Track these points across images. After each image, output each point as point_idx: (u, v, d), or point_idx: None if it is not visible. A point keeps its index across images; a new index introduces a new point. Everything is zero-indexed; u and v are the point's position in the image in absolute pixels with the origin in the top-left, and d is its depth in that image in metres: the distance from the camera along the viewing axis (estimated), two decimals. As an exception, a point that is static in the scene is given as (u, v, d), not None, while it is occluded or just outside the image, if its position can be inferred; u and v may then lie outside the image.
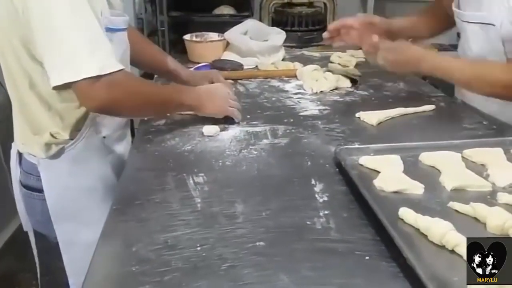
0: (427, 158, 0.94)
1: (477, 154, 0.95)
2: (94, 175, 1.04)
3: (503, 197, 0.80)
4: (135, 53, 1.15)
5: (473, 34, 1.22)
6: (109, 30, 0.98)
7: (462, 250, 0.66)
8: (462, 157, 0.95)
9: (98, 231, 0.76)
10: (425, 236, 0.70)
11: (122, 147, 1.15)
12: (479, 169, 0.91)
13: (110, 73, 0.89)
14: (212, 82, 1.31)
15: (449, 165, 0.91)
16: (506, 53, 1.15)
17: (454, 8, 1.29)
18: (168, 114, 1.18)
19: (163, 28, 2.57)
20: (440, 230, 0.69)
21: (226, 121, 1.15)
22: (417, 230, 0.72)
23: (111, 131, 1.09)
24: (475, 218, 0.75)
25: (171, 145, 1.05)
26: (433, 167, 0.92)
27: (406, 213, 0.75)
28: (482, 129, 1.14)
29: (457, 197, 0.81)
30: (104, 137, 1.07)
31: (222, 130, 1.12)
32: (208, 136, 1.09)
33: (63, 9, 0.87)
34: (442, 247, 0.68)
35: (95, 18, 0.91)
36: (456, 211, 0.77)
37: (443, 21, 1.43)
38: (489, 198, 0.81)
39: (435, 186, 0.86)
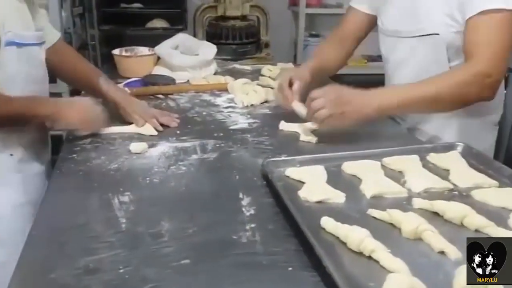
0: (349, 167, 0.98)
1: (395, 162, 1.00)
2: (3, 195, 1.01)
3: (417, 203, 0.84)
4: (66, 71, 1.12)
5: (412, 48, 1.24)
6: (14, 44, 0.96)
7: (378, 256, 0.69)
8: (382, 165, 0.99)
9: (13, 252, 0.73)
10: (345, 244, 0.73)
11: (37, 167, 1.11)
12: (397, 176, 0.95)
13: None
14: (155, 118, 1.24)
15: (369, 173, 0.95)
16: (449, 59, 1.18)
17: (382, 26, 1.33)
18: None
19: (93, 42, 2.52)
20: (357, 237, 0.71)
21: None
22: (338, 238, 0.75)
23: (21, 149, 1.05)
24: (392, 224, 0.79)
25: (97, 164, 1.03)
26: (354, 175, 0.96)
27: (327, 222, 0.77)
28: (402, 137, 1.20)
29: (376, 204, 0.85)
30: (11, 154, 1.03)
31: (150, 146, 1.11)
32: (136, 153, 1.07)
33: None
34: (360, 253, 0.71)
35: None
36: (375, 217, 0.81)
37: (349, 48, 1.45)
38: (405, 204, 0.85)
39: (356, 194, 0.89)
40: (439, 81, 1.11)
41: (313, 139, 1.15)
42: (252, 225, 0.81)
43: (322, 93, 1.10)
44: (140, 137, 1.13)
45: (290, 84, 1.25)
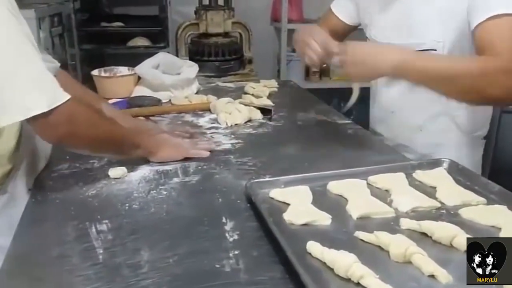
0: (335, 187, 0.96)
1: (381, 180, 0.98)
2: None
3: (405, 223, 0.82)
4: None
5: None
6: None
7: (367, 282, 0.67)
8: (368, 183, 0.98)
9: None
10: (332, 269, 0.71)
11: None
12: (384, 195, 0.93)
13: (61, 104, 0.87)
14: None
15: (355, 193, 0.93)
16: None
17: (373, 39, 1.30)
18: (121, 155, 1.09)
19: (73, 62, 2.48)
20: (345, 263, 0.69)
21: None
22: (324, 263, 0.72)
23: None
24: (380, 246, 0.76)
25: (74, 191, 0.99)
26: (340, 195, 0.94)
27: (313, 247, 0.75)
28: (388, 154, 1.19)
29: (362, 225, 0.83)
30: (29, 189, 1.02)
31: (130, 170, 1.07)
32: (115, 178, 1.04)
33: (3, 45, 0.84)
34: (348, 279, 0.69)
35: (35, 50, 0.88)
36: (362, 240, 0.78)
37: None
38: (392, 225, 0.83)
39: (342, 215, 0.87)
40: (463, 62, 1.06)
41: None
42: (236, 252, 0.78)
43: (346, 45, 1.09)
44: (118, 161, 1.09)
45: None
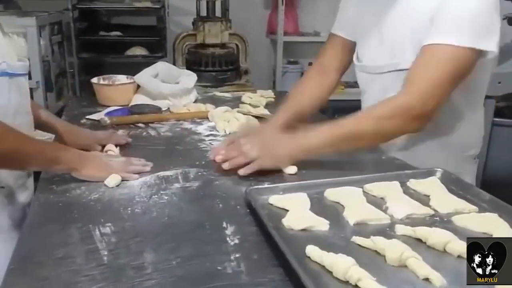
0: (332, 194, 0.98)
1: (376, 188, 1.01)
2: None
3: (400, 229, 0.85)
4: None
5: (390, 83, 1.19)
6: (7, 74, 0.95)
7: (364, 284, 0.69)
8: (363, 191, 1.00)
9: None
10: (331, 272, 0.73)
11: (24, 197, 1.09)
12: (379, 202, 0.96)
13: None
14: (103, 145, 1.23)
15: (352, 200, 0.95)
16: None
17: (357, 62, 1.30)
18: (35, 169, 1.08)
19: (72, 70, 2.50)
20: (343, 266, 0.71)
21: None
22: (323, 267, 0.74)
23: (12, 180, 1.03)
24: (376, 251, 0.79)
25: (77, 195, 1.01)
26: (337, 202, 0.96)
27: (312, 251, 0.77)
28: (382, 163, 1.22)
29: (359, 231, 0.85)
30: (2, 187, 1.01)
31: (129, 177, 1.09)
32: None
33: None
34: (347, 282, 0.71)
35: None
36: (359, 245, 0.81)
37: (332, 80, 1.38)
38: (388, 231, 0.86)
39: (340, 221, 0.90)
40: (361, 116, 1.14)
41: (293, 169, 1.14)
42: (237, 255, 0.80)
43: (249, 139, 1.14)
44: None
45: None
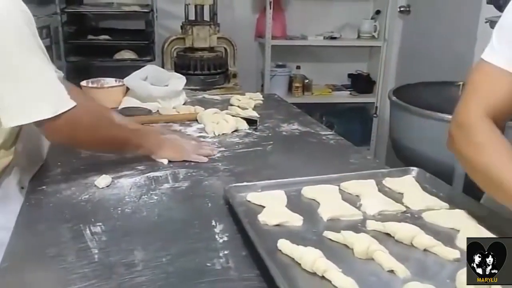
0: (308, 191, 1.01)
1: (352, 186, 1.03)
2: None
3: (371, 224, 0.88)
4: None
5: None
6: None
7: (330, 275, 0.72)
8: (340, 189, 1.03)
9: None
10: (300, 264, 0.75)
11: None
12: (354, 200, 0.98)
13: (65, 111, 0.95)
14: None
15: (327, 197, 0.98)
16: None
17: None
18: (124, 153, 1.21)
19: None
20: (310, 258, 0.74)
21: None
22: (293, 259, 0.77)
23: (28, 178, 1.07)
24: (346, 245, 0.81)
25: (67, 195, 1.02)
26: (313, 199, 0.98)
27: (284, 244, 0.79)
28: (364, 163, 1.25)
29: (332, 226, 0.88)
30: (22, 188, 1.06)
31: (120, 177, 1.10)
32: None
33: (15, 50, 0.90)
34: (314, 274, 0.73)
35: (48, 61, 0.96)
36: (330, 239, 0.83)
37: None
38: (359, 226, 0.88)
39: (314, 217, 0.92)
40: None
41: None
42: (226, 252, 0.82)
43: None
44: (105, 169, 1.12)
45: None
